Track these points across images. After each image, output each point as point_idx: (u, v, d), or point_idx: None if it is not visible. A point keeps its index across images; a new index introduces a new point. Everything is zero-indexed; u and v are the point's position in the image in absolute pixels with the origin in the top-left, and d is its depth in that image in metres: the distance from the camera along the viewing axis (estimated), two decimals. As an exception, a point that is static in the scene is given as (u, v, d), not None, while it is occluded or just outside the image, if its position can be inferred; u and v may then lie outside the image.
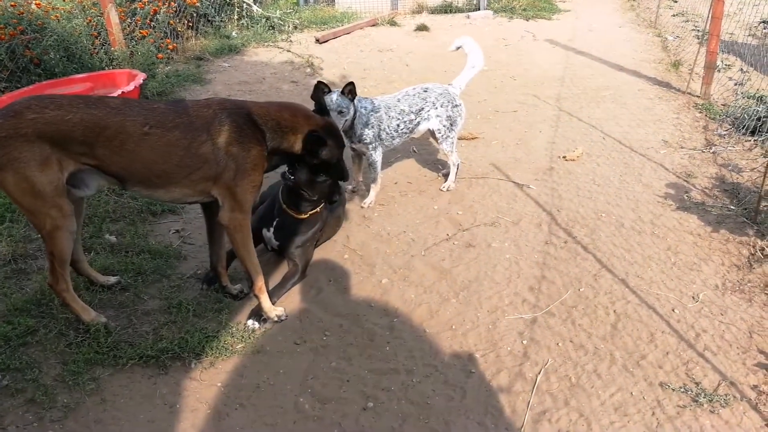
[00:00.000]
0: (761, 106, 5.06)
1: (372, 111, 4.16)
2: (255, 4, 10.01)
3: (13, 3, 6.39)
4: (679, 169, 4.66)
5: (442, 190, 4.58)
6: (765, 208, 3.88)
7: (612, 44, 8.43)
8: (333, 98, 3.97)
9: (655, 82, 6.67)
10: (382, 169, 4.48)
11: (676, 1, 11.23)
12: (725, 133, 5.18)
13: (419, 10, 11.34)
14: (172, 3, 8.21)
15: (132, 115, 2.75)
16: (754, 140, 4.93)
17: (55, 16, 6.95)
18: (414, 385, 2.83)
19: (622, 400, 2.66)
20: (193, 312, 3.20)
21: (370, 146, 4.22)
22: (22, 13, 6.48)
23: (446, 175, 4.70)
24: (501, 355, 2.98)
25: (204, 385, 2.81)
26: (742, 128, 5.06)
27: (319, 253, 3.79)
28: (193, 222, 4.15)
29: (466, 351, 3.03)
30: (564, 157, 5.01)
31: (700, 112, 5.70)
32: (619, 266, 3.57)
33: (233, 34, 9.24)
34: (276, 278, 3.55)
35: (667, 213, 4.09)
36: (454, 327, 3.18)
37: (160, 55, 7.50)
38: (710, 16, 5.82)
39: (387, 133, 4.22)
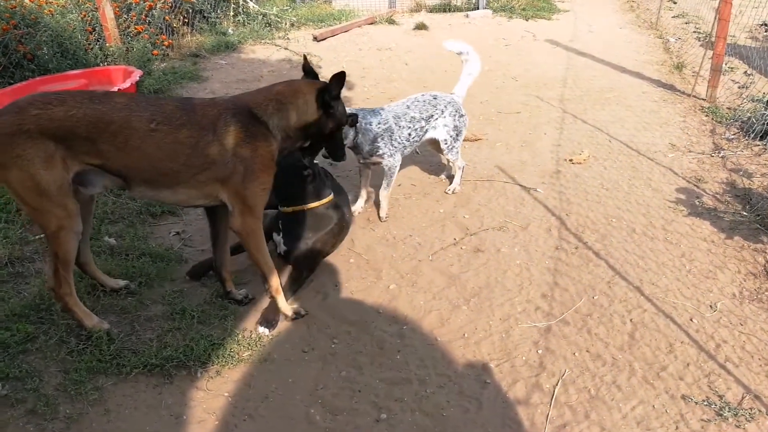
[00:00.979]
0: (769, 110, 5.01)
1: (379, 124, 3.94)
2: (251, 0, 9.89)
3: (6, -3, 6.26)
4: (689, 174, 4.60)
5: (447, 193, 4.49)
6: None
7: (613, 45, 8.38)
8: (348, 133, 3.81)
9: (659, 84, 6.61)
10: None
11: (675, 3, 11.19)
12: (733, 137, 5.12)
13: (418, 8, 11.25)
14: (168, -2, 8.08)
15: (138, 111, 2.66)
16: (764, 145, 4.87)
17: (49, 10, 6.81)
18: (428, 396, 2.74)
19: (644, 414, 2.58)
20: (197, 318, 3.09)
21: (386, 155, 4.02)
22: (15, 7, 6.34)
23: (451, 178, 4.61)
24: (516, 365, 2.90)
25: (211, 395, 2.71)
26: (751, 132, 5.00)
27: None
28: (193, 224, 4.04)
29: (479, 360, 2.94)
30: (570, 160, 4.94)
31: (707, 116, 5.64)
32: (633, 273, 3.49)
33: (229, 30, 9.12)
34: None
35: (679, 219, 4.02)
36: (466, 335, 3.10)
37: (155, 52, 7.37)
38: (717, 18, 5.76)
39: (398, 142, 4.03)
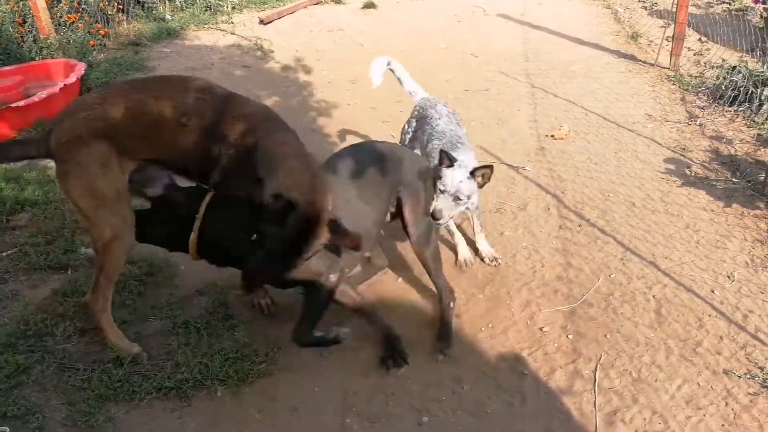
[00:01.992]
0: (737, 75, 5.07)
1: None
2: (188, -17, 9.36)
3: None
4: (672, 144, 4.61)
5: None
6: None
7: (564, 17, 8.36)
8: (455, 178, 3.00)
9: (618, 54, 6.63)
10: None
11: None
12: (705, 104, 5.18)
13: (362, -14, 10.93)
14: (100, -17, 7.53)
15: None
16: (734, 110, 4.94)
17: (-27, 2, 6.22)
18: (465, 393, 2.62)
19: (691, 393, 2.54)
20: (206, 332, 2.84)
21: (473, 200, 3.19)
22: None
23: None
24: (549, 353, 2.81)
25: (235, 413, 2.50)
26: (722, 99, 5.07)
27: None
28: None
29: (510, 351, 2.84)
30: (552, 135, 4.87)
31: (674, 84, 5.69)
32: (644, 248, 3.45)
33: (167, 16, 8.60)
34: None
35: (675, 189, 4.01)
36: (490, 325, 2.98)
37: (92, 42, 6.86)
38: (677, -13, 5.80)
39: None
